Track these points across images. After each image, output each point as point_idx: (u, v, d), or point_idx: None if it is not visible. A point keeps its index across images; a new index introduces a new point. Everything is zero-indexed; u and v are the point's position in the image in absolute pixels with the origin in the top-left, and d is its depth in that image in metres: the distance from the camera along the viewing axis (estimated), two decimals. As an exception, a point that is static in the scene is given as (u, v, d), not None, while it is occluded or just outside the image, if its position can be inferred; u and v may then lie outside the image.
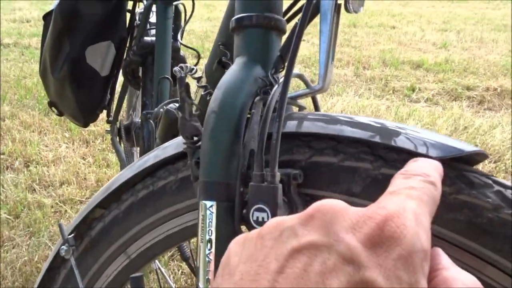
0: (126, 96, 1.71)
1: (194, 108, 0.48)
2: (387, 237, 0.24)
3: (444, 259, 0.27)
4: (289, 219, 0.28)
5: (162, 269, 0.68)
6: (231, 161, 0.44)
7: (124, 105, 1.87)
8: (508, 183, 0.39)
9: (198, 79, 0.51)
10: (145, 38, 1.29)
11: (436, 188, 0.31)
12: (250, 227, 0.43)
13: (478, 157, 0.41)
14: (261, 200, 0.41)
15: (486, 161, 2.31)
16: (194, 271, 0.98)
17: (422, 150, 0.40)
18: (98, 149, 2.53)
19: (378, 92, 3.65)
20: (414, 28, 6.37)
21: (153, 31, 1.31)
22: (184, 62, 1.30)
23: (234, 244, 0.30)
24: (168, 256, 1.67)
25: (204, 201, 0.45)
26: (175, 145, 0.55)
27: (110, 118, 1.61)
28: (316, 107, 0.54)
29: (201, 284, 0.44)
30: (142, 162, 0.58)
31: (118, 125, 1.56)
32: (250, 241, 0.29)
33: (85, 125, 1.41)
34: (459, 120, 2.87)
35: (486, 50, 4.98)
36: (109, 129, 1.63)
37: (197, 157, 0.47)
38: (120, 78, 1.46)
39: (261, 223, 0.41)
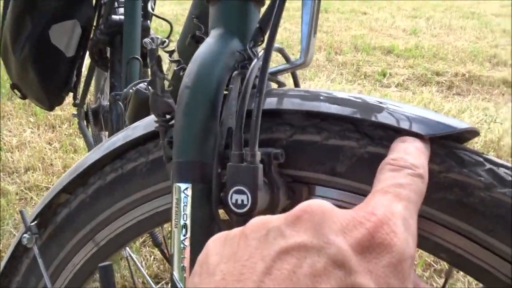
0: (93, 78, 1.64)
1: (166, 83, 0.44)
2: (378, 244, 0.25)
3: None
4: (275, 218, 0.27)
5: (134, 256, 0.65)
6: (207, 139, 0.41)
7: (92, 88, 1.79)
8: (500, 160, 0.37)
9: (171, 53, 0.47)
10: (113, 16, 1.23)
11: (424, 180, 0.32)
12: (228, 211, 0.40)
13: (469, 134, 0.40)
14: (240, 182, 0.38)
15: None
16: (167, 257, 0.95)
17: (414, 128, 0.37)
18: (65, 134, 2.44)
19: (350, 77, 3.66)
20: (385, 15, 6.41)
21: (122, 9, 1.24)
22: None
23: (213, 242, 0.29)
24: (139, 242, 1.63)
25: (178, 183, 0.41)
26: (146, 124, 0.51)
27: (76, 101, 1.54)
28: (296, 83, 0.51)
29: (175, 272, 0.41)
30: (110, 143, 0.54)
31: (85, 109, 1.49)
32: (232, 239, 0.28)
33: (51, 108, 1.35)
34: (429, 105, 2.91)
35: (455, 37, 5.07)
36: (75, 112, 1.56)
37: (170, 136, 0.44)
38: (87, 59, 1.40)
39: (240, 206, 0.38)
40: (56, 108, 1.39)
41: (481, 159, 0.37)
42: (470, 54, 4.29)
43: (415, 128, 0.36)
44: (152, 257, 1.57)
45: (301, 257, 0.24)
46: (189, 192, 0.41)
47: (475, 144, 2.35)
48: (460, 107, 2.91)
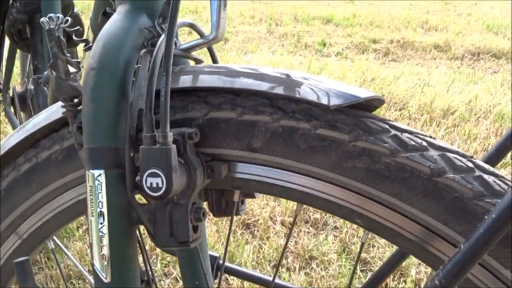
0: (17, 61, 1.53)
1: (71, 65, 0.42)
2: None
3: None
4: None
5: (62, 246, 0.62)
6: (118, 123, 0.40)
7: (18, 71, 1.68)
8: (404, 126, 0.39)
9: (76, 32, 0.44)
10: (29, -7, 1.14)
11: None
12: (145, 195, 0.39)
13: (375, 102, 0.41)
14: (154, 164, 0.37)
15: (392, 109, 2.45)
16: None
17: (322, 100, 0.38)
18: (-7, 123, 2.29)
19: (291, 48, 3.68)
20: (323, -17, 6.44)
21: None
22: (79, 19, 1.17)
23: None
24: (83, 230, 1.58)
25: (91, 171, 0.40)
26: (58, 109, 0.48)
27: (0, 86, 1.44)
28: (214, 59, 0.50)
29: (96, 262, 0.40)
30: (20, 132, 0.51)
31: (11, 94, 1.40)
32: None
33: (-32, 96, 1.25)
34: (367, 72, 2.99)
35: (389, 4, 5.20)
36: (0, 98, 1.46)
37: (79, 122, 0.42)
38: (7, 41, 1.30)
39: (155, 189, 0.37)
40: (-23, 96, 1.29)
41: (387, 126, 0.38)
42: (404, 20, 4.43)
43: (322, 100, 0.37)
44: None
45: None
46: (102, 178, 0.39)
47: (410, 108, 2.45)
48: (395, 73, 3.02)
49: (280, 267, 1.37)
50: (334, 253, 1.42)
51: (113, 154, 0.39)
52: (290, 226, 1.54)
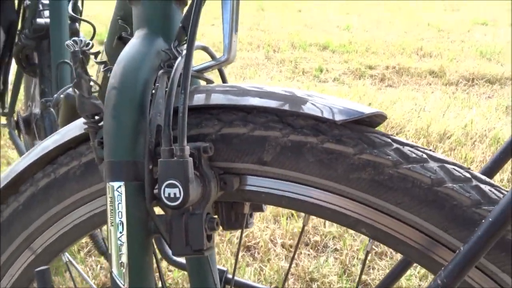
0: (22, 86, 1.57)
1: (93, 85, 0.45)
2: None
3: None
4: None
5: (74, 262, 0.64)
6: (137, 138, 0.42)
7: (22, 96, 1.72)
8: (405, 140, 0.41)
9: (95, 55, 0.47)
10: (38, 20, 1.19)
11: None
12: (162, 205, 0.41)
13: (378, 118, 0.44)
14: (172, 176, 0.40)
15: (389, 133, 2.48)
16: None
17: (327, 115, 0.41)
18: (-5, 147, 2.31)
19: (289, 74, 3.75)
20: (319, 11, 6.61)
21: (47, 12, 1.20)
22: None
23: None
24: (84, 252, 1.58)
25: (111, 183, 0.42)
26: (76, 127, 0.51)
27: (5, 110, 1.47)
28: (224, 79, 0.53)
29: (114, 269, 0.42)
30: (40, 149, 0.53)
31: (15, 118, 1.43)
32: None
33: (-25, 118, 1.28)
34: (364, 97, 3.05)
35: (385, 31, 5.33)
36: (5, 122, 1.49)
37: (100, 137, 0.44)
38: (14, 66, 1.34)
39: (173, 199, 0.40)
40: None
41: (389, 140, 0.41)
42: (399, 47, 4.53)
43: (329, 116, 0.40)
44: (99, 266, 1.54)
45: None
46: (122, 190, 0.42)
47: (407, 132, 2.49)
48: (392, 98, 3.07)
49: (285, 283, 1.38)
50: (335, 275, 1.43)
51: (133, 167, 0.42)
52: (291, 249, 1.55)
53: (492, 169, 0.48)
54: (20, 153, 1.45)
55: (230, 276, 0.61)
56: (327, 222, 1.69)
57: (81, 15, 1.25)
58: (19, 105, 2.27)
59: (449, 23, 5.96)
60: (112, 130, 0.42)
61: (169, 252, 0.65)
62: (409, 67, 3.89)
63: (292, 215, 1.71)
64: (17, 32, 1.24)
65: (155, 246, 0.62)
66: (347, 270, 1.45)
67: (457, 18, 6.40)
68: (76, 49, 0.43)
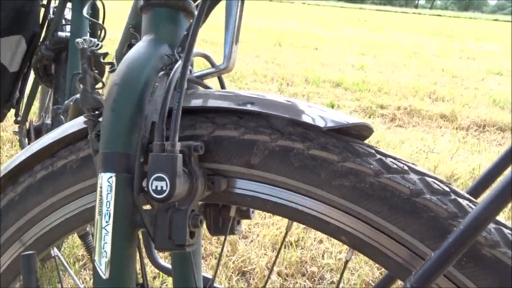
0: (37, 96, 1.62)
1: (97, 81, 0.47)
2: None
3: None
4: None
5: (60, 255, 0.65)
6: (132, 132, 0.44)
7: (36, 106, 1.77)
8: (390, 153, 0.43)
9: (104, 55, 0.50)
10: (59, 33, 1.24)
11: None
12: (149, 197, 0.43)
13: (366, 132, 0.45)
14: (160, 169, 0.41)
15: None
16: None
17: (314, 122, 0.42)
18: (6, 156, 2.35)
19: (300, 107, 3.78)
20: (336, 51, 6.73)
21: (69, 27, 1.26)
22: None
23: None
24: (79, 265, 1.58)
25: (103, 173, 0.44)
26: (77, 124, 0.53)
27: (18, 118, 1.51)
28: (223, 86, 0.55)
29: (97, 257, 0.43)
30: (41, 142, 0.55)
31: (27, 126, 1.47)
32: None
33: (-9, 124, 1.32)
34: (373, 135, 3.06)
35: (399, 74, 5.39)
36: (17, 130, 1.53)
37: (97, 130, 0.46)
38: (32, 76, 1.39)
39: (160, 191, 0.41)
40: (-2, 129, 1.36)
41: (373, 151, 0.42)
42: (412, 89, 4.57)
43: (316, 123, 0.41)
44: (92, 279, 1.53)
45: None
46: (113, 181, 0.43)
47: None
48: (401, 138, 3.08)
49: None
50: (329, 307, 1.40)
51: (125, 159, 0.44)
52: (286, 277, 1.53)
53: (477, 190, 0.48)
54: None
55: (216, 285, 0.62)
56: (326, 254, 1.67)
57: (101, 34, 1.30)
58: (33, 116, 2.32)
59: (463, 70, 6.02)
60: (110, 123, 0.44)
61: (157, 256, 0.65)
62: (421, 109, 3.91)
63: (291, 244, 1.70)
64: (39, 44, 1.30)
65: (143, 247, 0.63)
66: (342, 303, 1.43)
67: (472, 66, 6.46)
68: (85, 46, 0.46)
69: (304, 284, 1.52)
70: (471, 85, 5.18)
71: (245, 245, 1.70)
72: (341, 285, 1.34)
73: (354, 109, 3.81)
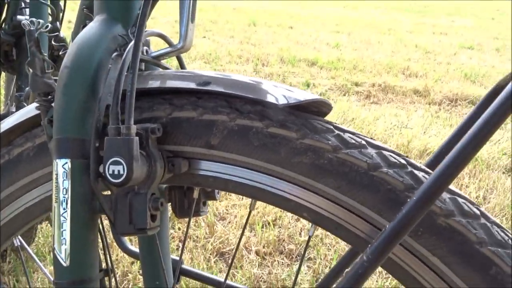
0: (2, 84, 1.57)
1: (47, 65, 0.46)
2: None
3: None
4: None
5: (26, 246, 0.63)
6: (86, 117, 0.43)
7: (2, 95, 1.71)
8: (348, 128, 0.43)
9: (55, 38, 0.48)
10: (18, 16, 1.19)
11: None
12: (107, 182, 0.42)
13: (325, 108, 0.45)
14: (117, 153, 0.40)
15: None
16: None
17: (265, 98, 0.42)
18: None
19: (276, 87, 3.77)
20: (310, 29, 6.70)
21: (28, 10, 1.21)
22: (65, 42, 1.22)
23: None
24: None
25: (58, 160, 0.42)
26: (31, 110, 0.51)
27: (-17, 107, 1.46)
28: (182, 66, 0.54)
29: (56, 245, 0.42)
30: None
31: (-8, 115, 1.42)
32: None
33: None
34: (348, 112, 3.08)
35: (373, 51, 5.42)
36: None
37: (50, 116, 0.45)
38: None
39: (117, 176, 0.40)
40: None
41: (331, 127, 0.42)
42: (386, 66, 4.60)
43: (272, 100, 0.41)
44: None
45: None
46: (68, 167, 0.42)
47: (389, 145, 2.52)
48: (375, 115, 3.11)
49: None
50: (307, 282, 1.43)
51: (80, 144, 0.42)
52: (265, 256, 1.55)
53: (435, 162, 0.49)
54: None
55: (184, 266, 0.62)
56: (303, 232, 1.69)
57: (62, 16, 1.26)
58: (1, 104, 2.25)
59: (436, 45, 6.09)
60: (62, 108, 0.43)
61: (124, 241, 0.65)
62: (395, 85, 3.95)
63: (269, 223, 1.71)
64: (-3, 29, 1.25)
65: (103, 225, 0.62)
66: (319, 278, 1.45)
67: (445, 41, 6.53)
68: (32, 28, 0.44)
69: (282, 262, 1.54)
70: (444, 60, 5.25)
71: (223, 226, 1.70)
72: (304, 260, 1.37)
73: (329, 88, 3.82)
